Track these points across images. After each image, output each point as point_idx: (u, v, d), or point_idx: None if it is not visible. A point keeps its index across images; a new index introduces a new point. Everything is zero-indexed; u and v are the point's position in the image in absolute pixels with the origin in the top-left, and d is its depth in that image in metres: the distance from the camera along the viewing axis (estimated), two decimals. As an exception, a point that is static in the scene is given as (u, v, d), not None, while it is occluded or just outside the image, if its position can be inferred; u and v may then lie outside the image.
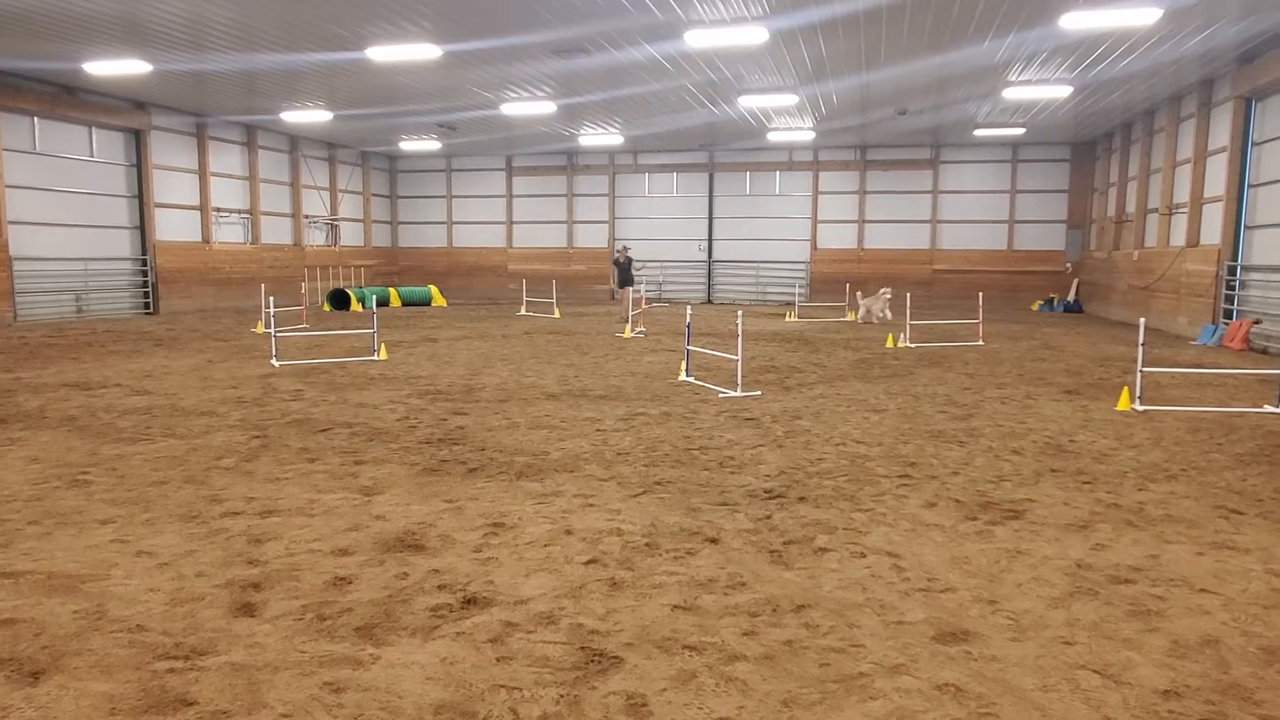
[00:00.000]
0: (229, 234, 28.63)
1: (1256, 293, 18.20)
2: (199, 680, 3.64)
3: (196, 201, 27.21)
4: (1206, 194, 20.58)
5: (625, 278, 23.23)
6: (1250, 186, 18.75)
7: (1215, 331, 18.80)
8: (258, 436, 8.52)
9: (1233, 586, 4.78)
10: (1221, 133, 19.77)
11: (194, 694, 3.53)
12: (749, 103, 23.38)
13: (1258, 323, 17.37)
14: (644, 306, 21.51)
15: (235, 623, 4.22)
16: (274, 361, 14.00)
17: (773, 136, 29.76)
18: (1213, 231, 19.97)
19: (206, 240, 27.46)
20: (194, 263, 26.92)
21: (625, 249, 24.46)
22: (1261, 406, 10.50)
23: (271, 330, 14.53)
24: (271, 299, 15.88)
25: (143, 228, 25.23)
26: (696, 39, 16.43)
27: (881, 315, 23.80)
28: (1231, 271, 19.03)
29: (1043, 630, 4.19)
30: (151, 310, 25.44)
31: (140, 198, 25.12)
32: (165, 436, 8.49)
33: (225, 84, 21.70)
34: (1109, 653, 3.96)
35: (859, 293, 25.26)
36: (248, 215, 29.35)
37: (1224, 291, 19.19)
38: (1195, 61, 18.67)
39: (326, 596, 4.55)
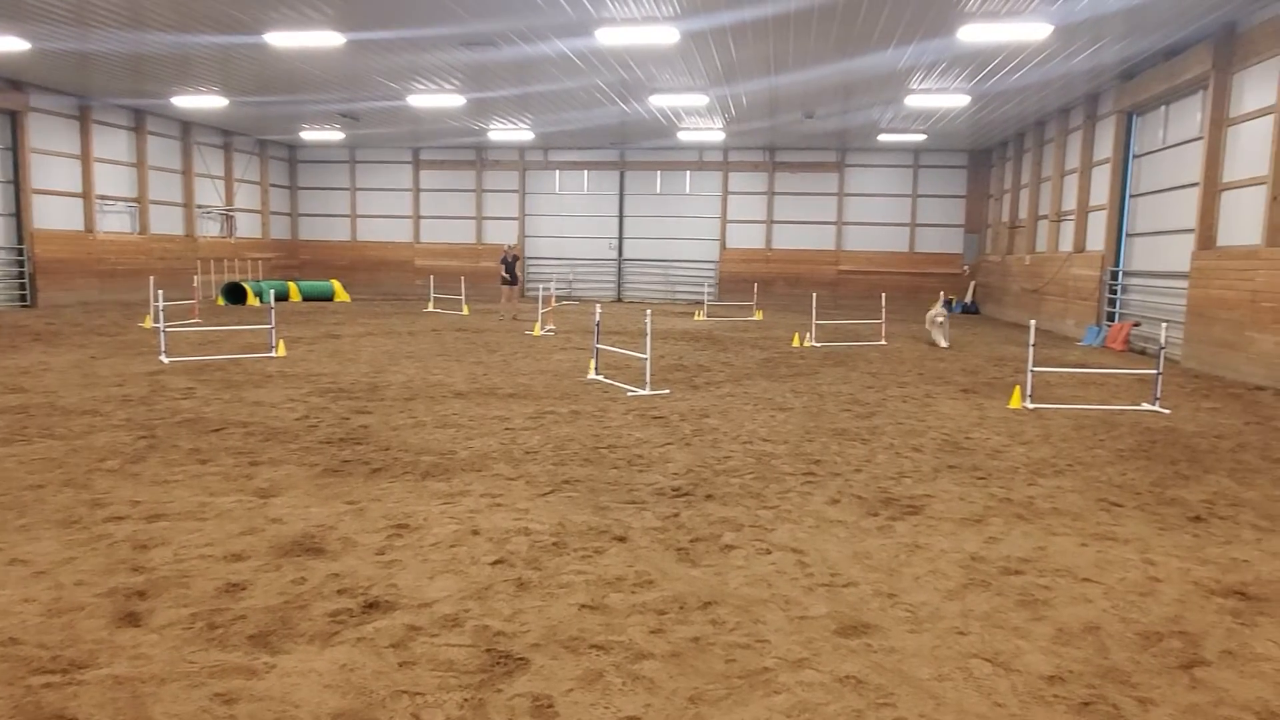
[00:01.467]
0: (115, 223, 27.16)
1: (1136, 296, 19.29)
2: (78, 695, 3.44)
3: (79, 188, 25.70)
4: (1092, 202, 21.70)
5: (509, 275, 24.09)
6: (1131, 196, 19.86)
7: (1099, 333, 19.84)
8: (145, 437, 8.11)
9: (1112, 575, 5.04)
10: (1105, 145, 20.88)
11: (73, 710, 3.33)
12: (660, 102, 23.50)
13: (1137, 325, 18.42)
14: (553, 305, 21.31)
15: (118, 633, 4.00)
16: (163, 358, 13.36)
17: (683, 136, 30.00)
18: (1097, 238, 21.07)
19: (90, 229, 25.98)
20: (76, 253, 25.44)
21: (512, 248, 25.19)
22: (1140, 405, 11.13)
23: (161, 325, 13.87)
24: (161, 292, 15.17)
25: (19, 215, 23.68)
26: (607, 37, 16.41)
27: (937, 330, 18.72)
28: (1114, 276, 20.13)
29: (938, 621, 4.33)
30: (29, 303, 23.91)
31: (16, 183, 23.56)
32: (43, 437, 8.00)
33: (111, 65, 20.58)
34: (999, 641, 4.12)
35: (943, 291, 21.20)
36: (135, 204, 27.89)
37: (1107, 295, 20.29)
38: (1082, 77, 19.67)
39: (218, 604, 4.36)
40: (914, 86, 21.10)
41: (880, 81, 20.54)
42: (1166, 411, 10.63)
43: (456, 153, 35.28)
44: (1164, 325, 12.00)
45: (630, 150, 34.13)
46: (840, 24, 15.84)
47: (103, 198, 26.43)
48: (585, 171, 35.02)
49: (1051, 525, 5.99)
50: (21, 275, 23.89)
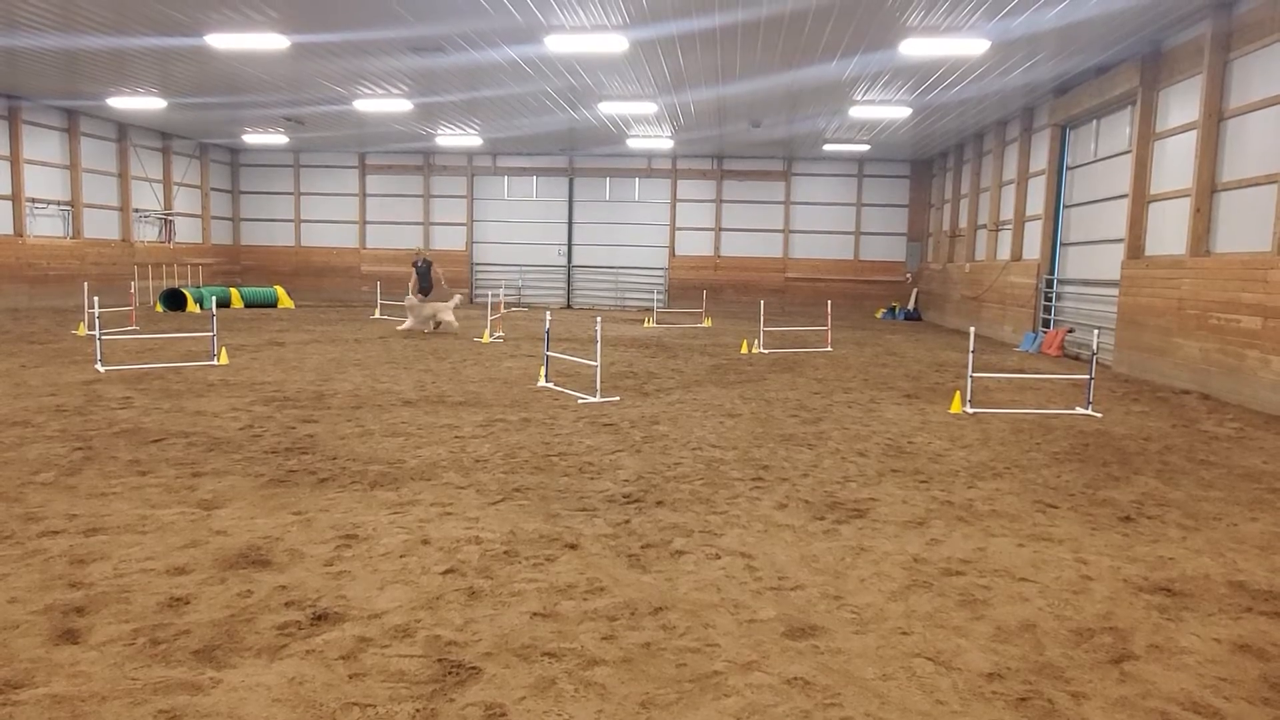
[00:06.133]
0: (46, 227, 26.31)
1: (1070, 304, 19.91)
2: (14, 716, 3.35)
3: (8, 191, 24.86)
4: (1028, 212, 22.33)
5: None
6: (1065, 207, 20.50)
7: (1035, 339, 20.42)
8: (80, 448, 7.89)
9: (1048, 575, 5.22)
10: (1041, 157, 21.51)
11: (7, 731, 3.25)
12: (609, 109, 23.58)
13: (1071, 331, 19.00)
14: (502, 311, 21.17)
15: (56, 651, 3.90)
16: (99, 366, 12.99)
17: (632, 143, 30.11)
18: (1034, 247, 21.69)
19: (19, 233, 25.14)
20: (5, 257, 24.59)
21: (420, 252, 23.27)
22: (1074, 408, 11.49)
23: (96, 332, 13.49)
24: (96, 298, 14.74)
25: (-56, 218, 22.87)
26: (557, 44, 16.44)
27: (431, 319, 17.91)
28: (1049, 284, 20.74)
29: (883, 622, 4.44)
30: (-46, 309, 23.09)
31: (-59, 185, 22.76)
32: (-29, 449, 7.74)
33: (42, 64, 19.96)
34: (941, 640, 4.24)
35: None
36: (68, 207, 27.07)
37: (1043, 302, 20.89)
38: (1018, 91, 20.26)
39: (161, 619, 4.27)
40: (858, 98, 21.51)
41: (825, 92, 20.89)
42: (1099, 415, 10.99)
43: (404, 157, 34.94)
44: (1096, 331, 12.41)
45: (579, 156, 34.15)
46: (786, 36, 16.09)
47: (33, 200, 25.60)
48: (534, 177, 34.94)
49: (990, 527, 6.17)
50: (-54, 281, 23.03)
